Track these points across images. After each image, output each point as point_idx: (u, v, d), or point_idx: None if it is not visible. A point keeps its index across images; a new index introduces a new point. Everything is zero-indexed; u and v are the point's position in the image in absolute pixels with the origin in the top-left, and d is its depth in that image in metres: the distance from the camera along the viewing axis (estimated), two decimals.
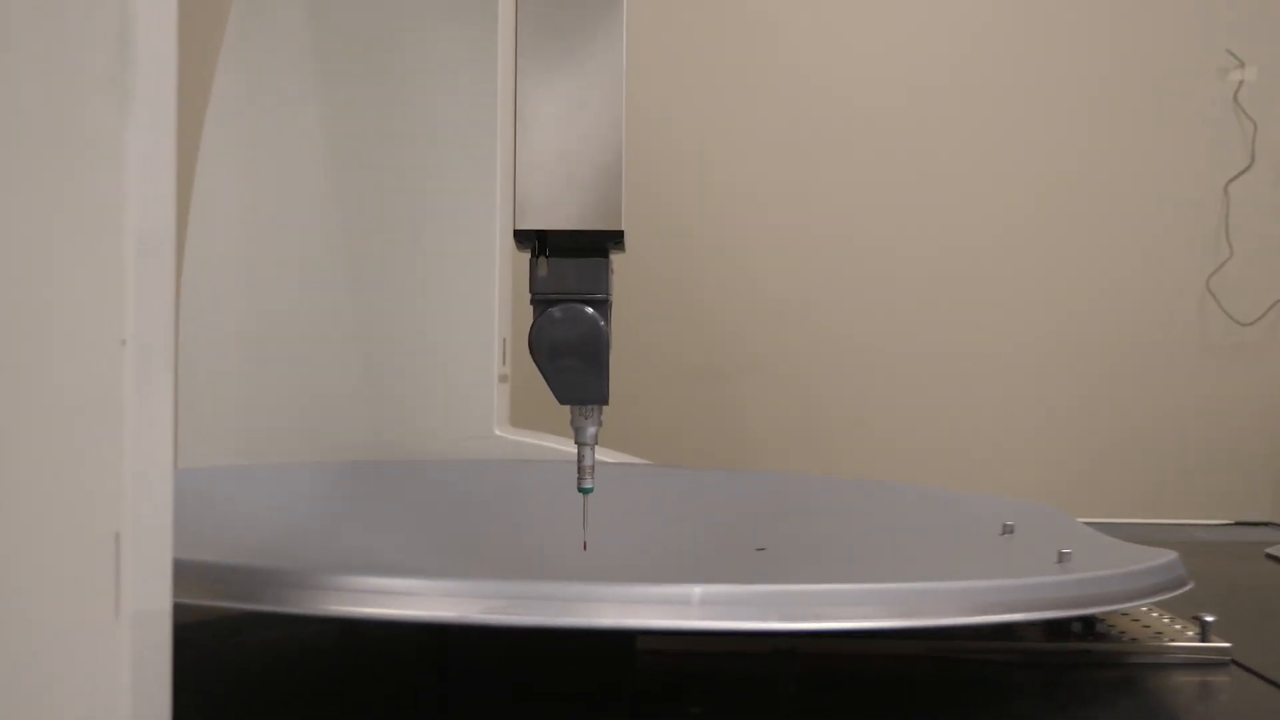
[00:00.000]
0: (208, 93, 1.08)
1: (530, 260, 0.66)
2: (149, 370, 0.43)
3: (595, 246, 0.66)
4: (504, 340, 1.10)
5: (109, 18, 0.41)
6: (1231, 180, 1.44)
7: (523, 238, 0.66)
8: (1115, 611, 0.71)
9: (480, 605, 0.52)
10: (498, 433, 1.08)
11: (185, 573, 0.48)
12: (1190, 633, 0.72)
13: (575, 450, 0.70)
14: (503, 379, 1.10)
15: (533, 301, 0.67)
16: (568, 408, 0.69)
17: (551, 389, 0.67)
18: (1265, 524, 1.36)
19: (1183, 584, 0.68)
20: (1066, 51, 1.46)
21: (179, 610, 0.44)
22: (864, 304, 1.45)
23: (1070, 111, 1.46)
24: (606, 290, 0.66)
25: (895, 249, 1.46)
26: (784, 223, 1.45)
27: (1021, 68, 1.46)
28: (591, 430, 0.69)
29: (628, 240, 0.67)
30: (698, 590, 0.53)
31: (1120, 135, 1.46)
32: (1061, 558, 0.72)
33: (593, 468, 0.70)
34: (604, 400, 0.68)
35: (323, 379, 1.09)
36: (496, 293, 1.08)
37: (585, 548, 0.71)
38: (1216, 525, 1.34)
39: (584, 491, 0.70)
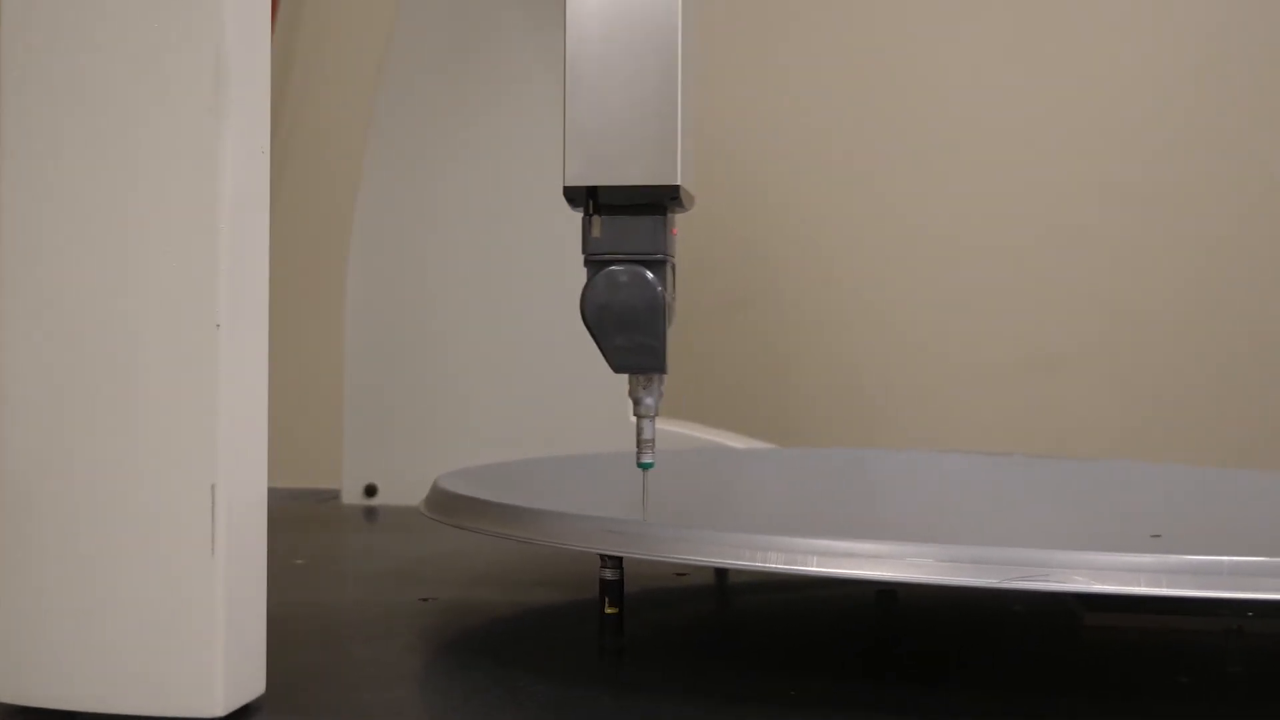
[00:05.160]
0: (370, 108, 1.18)
1: (583, 219, 0.63)
2: (241, 350, 0.51)
3: (651, 204, 0.63)
4: None
5: (208, 54, 0.50)
6: None
7: (573, 194, 0.63)
8: None
9: (990, 571, 0.51)
10: (631, 419, 1.15)
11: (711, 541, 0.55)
12: None
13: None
14: None
15: (585, 263, 0.64)
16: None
17: (604, 356, 0.64)
18: None
19: None
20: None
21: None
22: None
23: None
24: (665, 250, 0.63)
25: None
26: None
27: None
28: (649, 401, 0.66)
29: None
30: (1226, 560, 0.51)
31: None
32: None
33: (652, 442, 0.67)
34: (662, 369, 0.64)
35: (470, 385, 1.18)
36: None
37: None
38: None
39: (643, 467, 0.67)
